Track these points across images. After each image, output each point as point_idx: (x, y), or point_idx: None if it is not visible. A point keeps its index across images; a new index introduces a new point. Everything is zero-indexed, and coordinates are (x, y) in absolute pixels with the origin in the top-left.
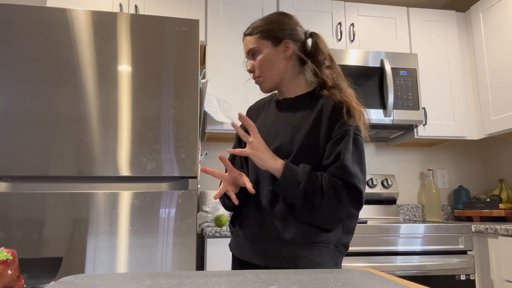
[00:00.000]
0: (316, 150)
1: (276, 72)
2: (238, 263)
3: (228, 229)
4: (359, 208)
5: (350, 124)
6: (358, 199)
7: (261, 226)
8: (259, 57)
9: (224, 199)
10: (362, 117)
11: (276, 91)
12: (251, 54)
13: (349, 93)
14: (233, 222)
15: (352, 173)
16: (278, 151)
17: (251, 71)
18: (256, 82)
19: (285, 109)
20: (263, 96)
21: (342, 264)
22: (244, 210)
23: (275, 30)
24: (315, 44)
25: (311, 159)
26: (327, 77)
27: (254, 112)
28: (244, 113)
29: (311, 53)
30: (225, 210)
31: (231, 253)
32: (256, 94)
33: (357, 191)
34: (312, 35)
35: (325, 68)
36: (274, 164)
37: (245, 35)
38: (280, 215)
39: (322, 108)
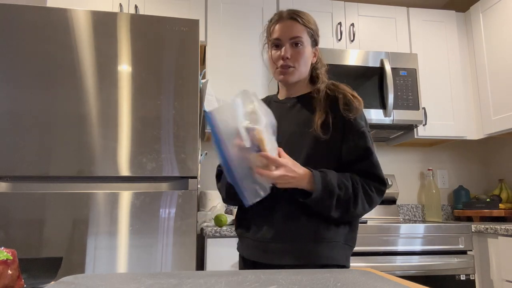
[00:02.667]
0: (329, 145)
1: (305, 70)
2: (250, 265)
3: (228, 229)
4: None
5: (359, 118)
6: (383, 191)
7: (273, 225)
8: (301, 49)
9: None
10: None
11: (278, 92)
12: (294, 42)
13: (345, 87)
14: (240, 224)
15: (378, 167)
16: (287, 147)
17: (285, 57)
18: (284, 72)
19: (289, 108)
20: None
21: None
22: (250, 211)
23: (316, 33)
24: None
25: (324, 154)
26: (324, 77)
27: None
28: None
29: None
30: (224, 211)
31: (234, 253)
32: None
33: (384, 183)
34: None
35: (324, 70)
36: (303, 184)
37: (294, 19)
38: (291, 213)
39: (330, 105)
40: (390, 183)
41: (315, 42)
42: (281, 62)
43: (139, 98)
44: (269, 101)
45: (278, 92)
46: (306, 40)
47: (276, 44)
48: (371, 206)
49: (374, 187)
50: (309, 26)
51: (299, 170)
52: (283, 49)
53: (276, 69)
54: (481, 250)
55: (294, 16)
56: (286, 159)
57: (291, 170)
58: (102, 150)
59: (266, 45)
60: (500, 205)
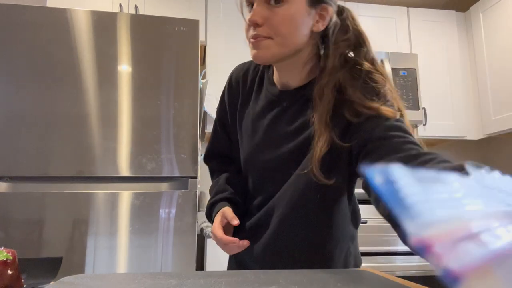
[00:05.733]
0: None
1: (294, 41)
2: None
3: None
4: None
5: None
6: None
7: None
8: (280, 8)
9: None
10: None
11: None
12: None
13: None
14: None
15: None
16: (269, 170)
17: (255, 23)
18: (256, 44)
19: (285, 108)
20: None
21: None
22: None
23: None
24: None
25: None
26: (336, 59)
27: (239, 84)
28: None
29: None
30: None
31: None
32: None
33: None
34: (344, 10)
35: (344, 44)
36: None
37: None
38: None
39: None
40: None
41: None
42: (250, 31)
43: (139, 98)
44: (259, 73)
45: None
46: None
47: (250, 2)
48: None
49: None
50: None
51: None
52: (253, 11)
53: (249, 42)
54: None
55: None
56: None
57: None
58: (102, 150)
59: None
60: None
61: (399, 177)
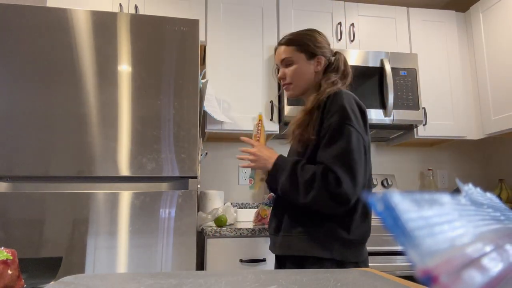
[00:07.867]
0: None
1: (305, 82)
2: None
3: (228, 229)
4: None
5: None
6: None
7: (271, 221)
8: (292, 67)
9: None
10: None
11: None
12: (285, 63)
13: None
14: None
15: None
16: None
17: (281, 78)
18: (285, 89)
19: None
20: (261, 98)
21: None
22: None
23: (311, 45)
24: (337, 63)
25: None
26: (327, 86)
27: None
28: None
29: (333, 69)
30: (225, 211)
31: (234, 253)
32: (255, 94)
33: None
34: (336, 54)
35: (329, 79)
36: (269, 163)
37: (280, 44)
38: (277, 209)
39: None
40: (390, 183)
41: (311, 54)
42: (282, 82)
43: (139, 98)
44: None
45: None
46: (298, 56)
47: (278, 69)
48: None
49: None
50: (297, 43)
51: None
52: (274, 70)
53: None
54: None
55: (282, 40)
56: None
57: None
58: (102, 150)
59: None
60: None
61: (397, 202)
